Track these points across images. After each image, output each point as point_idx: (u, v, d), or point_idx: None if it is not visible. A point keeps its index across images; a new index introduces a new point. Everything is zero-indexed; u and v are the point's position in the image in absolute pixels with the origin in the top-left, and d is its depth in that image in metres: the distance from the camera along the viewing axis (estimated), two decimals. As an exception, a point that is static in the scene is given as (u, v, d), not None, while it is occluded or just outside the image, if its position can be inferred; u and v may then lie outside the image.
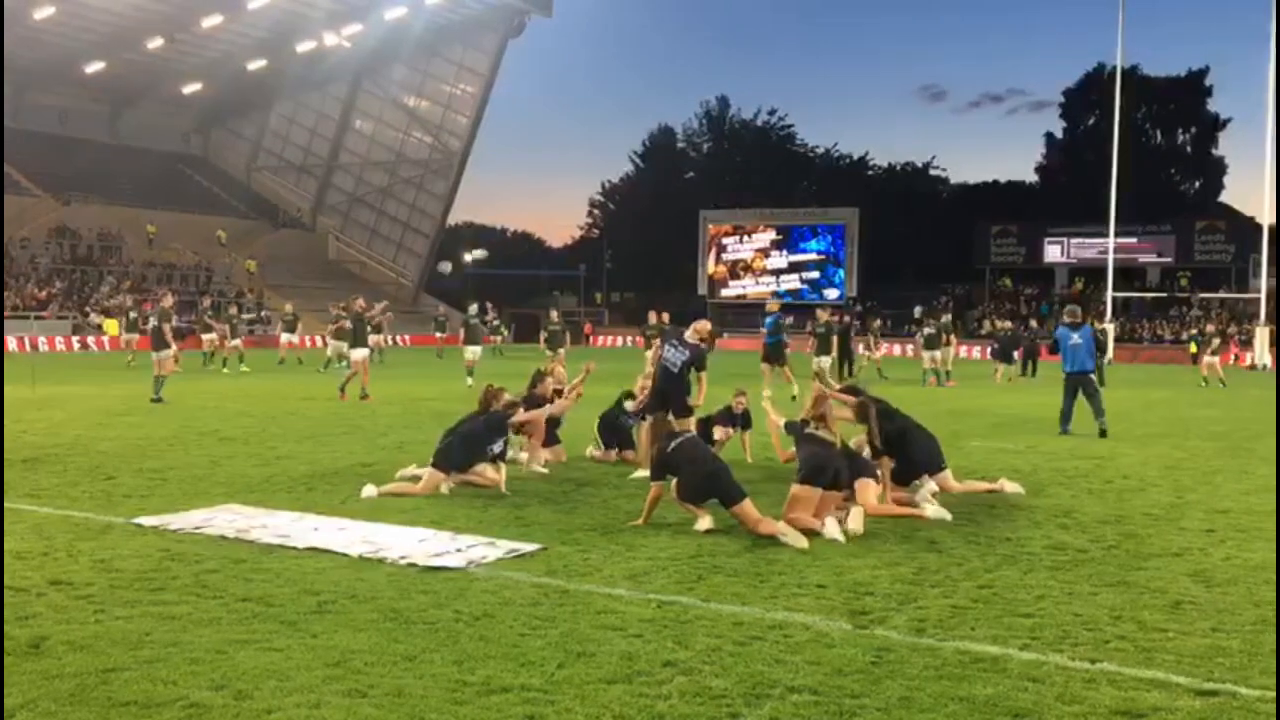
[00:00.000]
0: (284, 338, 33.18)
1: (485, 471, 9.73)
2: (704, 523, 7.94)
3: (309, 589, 6.17)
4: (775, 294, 63.23)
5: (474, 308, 26.32)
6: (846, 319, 37.68)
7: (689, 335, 10.74)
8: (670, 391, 10.31)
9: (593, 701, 4.50)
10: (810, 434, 8.56)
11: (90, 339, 42.60)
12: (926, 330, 28.56)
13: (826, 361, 22.51)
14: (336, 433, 13.89)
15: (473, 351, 24.05)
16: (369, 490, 9.24)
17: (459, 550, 7.18)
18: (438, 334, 43.14)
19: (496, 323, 42.31)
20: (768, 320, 22.05)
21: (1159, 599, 6.29)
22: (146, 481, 9.94)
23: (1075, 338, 15.15)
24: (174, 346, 19.22)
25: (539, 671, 4.85)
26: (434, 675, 4.77)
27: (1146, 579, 6.77)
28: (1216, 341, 30.02)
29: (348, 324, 19.97)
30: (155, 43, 52.21)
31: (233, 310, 35.26)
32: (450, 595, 6.08)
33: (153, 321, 20.31)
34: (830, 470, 8.17)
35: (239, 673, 4.75)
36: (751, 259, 65.05)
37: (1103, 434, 14.52)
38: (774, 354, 21.16)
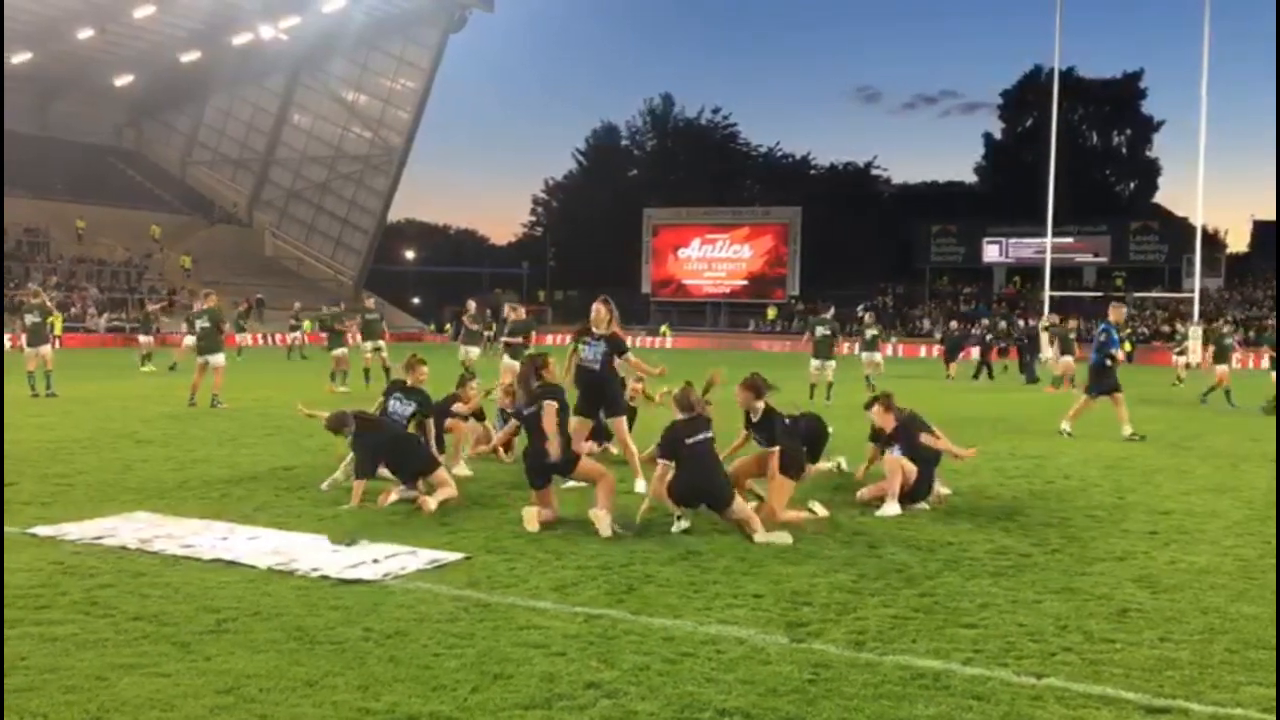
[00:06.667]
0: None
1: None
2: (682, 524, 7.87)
3: (208, 605, 5.74)
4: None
5: (472, 305, 25.48)
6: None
7: (596, 328, 9.74)
8: (596, 389, 9.67)
9: (507, 730, 4.15)
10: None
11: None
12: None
13: (821, 366, 20.25)
14: (259, 435, 13.36)
15: (467, 352, 23.74)
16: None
17: (375, 561, 6.77)
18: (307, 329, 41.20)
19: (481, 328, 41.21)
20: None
21: (1105, 606, 6.08)
22: (50, 488, 9.36)
23: None
24: None
25: (450, 696, 4.48)
26: (335, 702, 4.38)
27: (1091, 585, 6.55)
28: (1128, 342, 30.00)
29: (206, 323, 17.55)
30: (85, 33, 50.85)
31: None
32: (362, 611, 5.69)
33: None
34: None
35: (118, 702, 4.33)
36: (695, 257, 64.89)
37: None
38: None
